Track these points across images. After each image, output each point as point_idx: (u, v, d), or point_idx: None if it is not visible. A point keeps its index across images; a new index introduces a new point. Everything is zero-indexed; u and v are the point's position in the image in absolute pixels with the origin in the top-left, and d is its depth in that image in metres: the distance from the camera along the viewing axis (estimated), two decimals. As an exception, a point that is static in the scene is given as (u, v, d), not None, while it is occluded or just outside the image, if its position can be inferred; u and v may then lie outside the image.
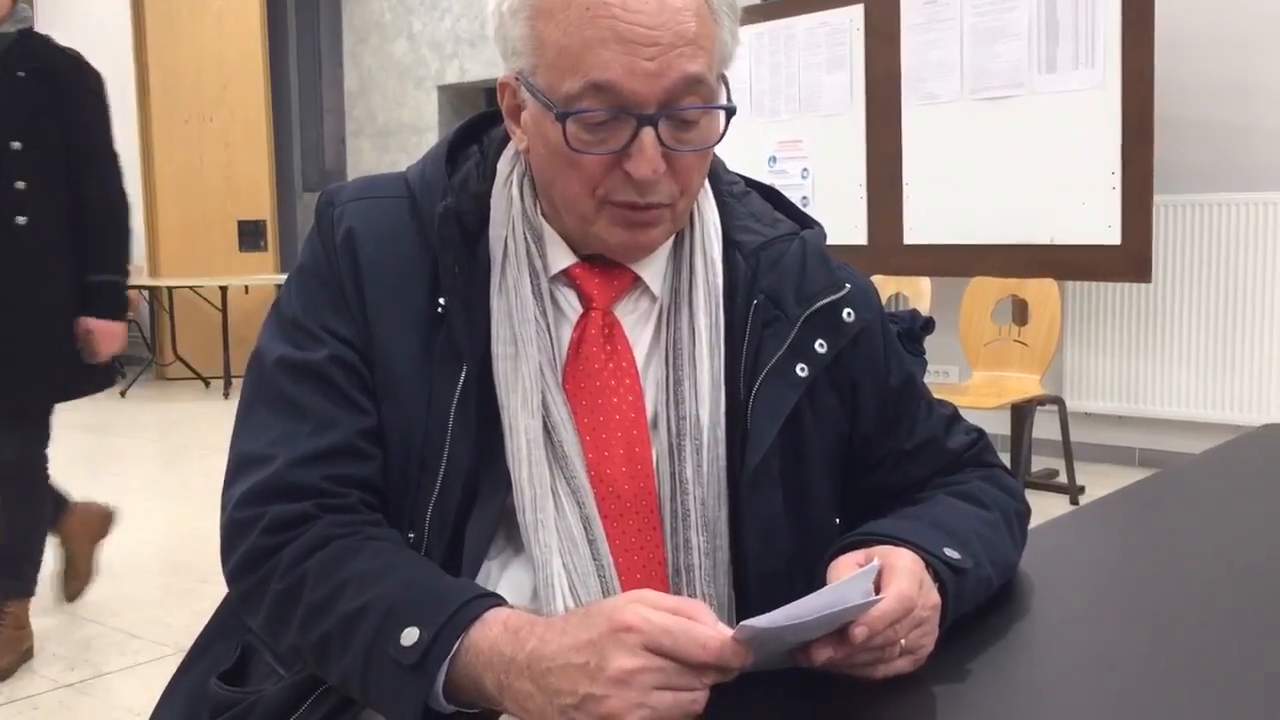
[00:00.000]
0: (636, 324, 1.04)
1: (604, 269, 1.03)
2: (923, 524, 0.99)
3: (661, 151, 0.94)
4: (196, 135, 8.08)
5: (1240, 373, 4.38)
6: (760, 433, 1.01)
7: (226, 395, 7.24)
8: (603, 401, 1.01)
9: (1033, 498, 1.16)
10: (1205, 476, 1.57)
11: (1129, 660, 0.91)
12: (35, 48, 2.77)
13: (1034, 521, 1.15)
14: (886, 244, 4.87)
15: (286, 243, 8.33)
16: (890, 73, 4.81)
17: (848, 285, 1.06)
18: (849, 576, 0.85)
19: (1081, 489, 4.29)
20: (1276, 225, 4.27)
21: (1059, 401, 4.38)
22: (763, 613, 0.78)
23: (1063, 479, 4.37)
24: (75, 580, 3.18)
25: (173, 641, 2.97)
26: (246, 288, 7.73)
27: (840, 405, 1.07)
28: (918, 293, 4.69)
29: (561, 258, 1.02)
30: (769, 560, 1.02)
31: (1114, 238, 4.17)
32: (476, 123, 1.09)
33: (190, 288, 7.74)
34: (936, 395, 1.17)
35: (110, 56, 8.34)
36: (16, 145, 2.67)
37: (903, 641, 0.86)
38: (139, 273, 8.46)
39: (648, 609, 0.77)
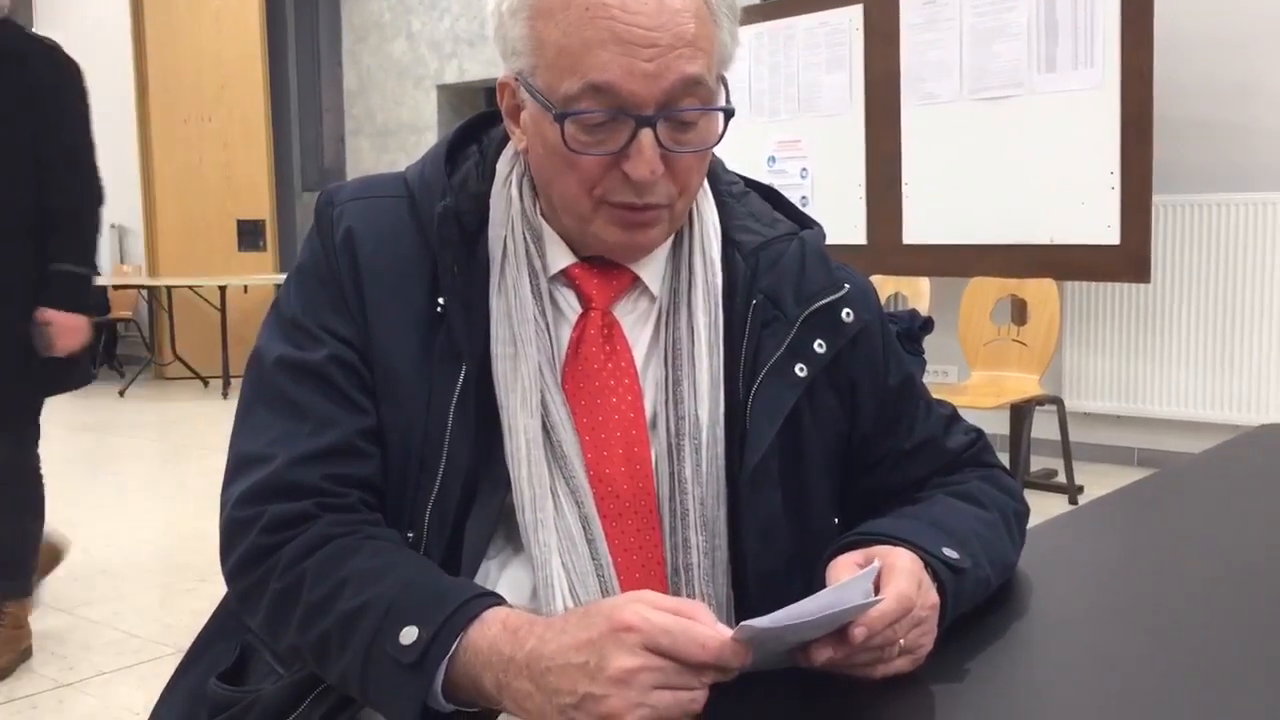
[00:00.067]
0: (636, 324, 1.04)
1: (603, 269, 1.03)
2: (921, 524, 0.99)
3: (660, 153, 0.94)
4: (195, 135, 8.09)
5: (1239, 373, 4.39)
6: (759, 432, 1.01)
7: (225, 395, 7.24)
8: (602, 401, 1.01)
9: (1031, 497, 1.16)
10: (1204, 476, 1.57)
11: (1128, 660, 0.91)
12: (8, 36, 2.72)
13: (1033, 521, 1.15)
14: (885, 244, 4.87)
15: (285, 242, 8.33)
16: (889, 73, 4.81)
17: (847, 285, 1.06)
18: (849, 579, 0.85)
19: (1080, 489, 4.29)
20: (1275, 225, 4.27)
21: (1058, 401, 4.38)
22: (762, 613, 0.78)
23: (1061, 479, 4.38)
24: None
25: (172, 641, 2.97)
26: (245, 287, 7.74)
27: (839, 405, 1.07)
28: (917, 293, 4.69)
29: (561, 258, 1.02)
30: (768, 560, 1.02)
31: (1113, 238, 4.17)
32: (476, 122, 1.09)
33: (189, 287, 7.74)
34: (935, 395, 1.17)
35: (109, 56, 8.37)
36: None
37: (902, 641, 0.86)
38: (137, 272, 8.47)
39: (647, 608, 0.77)
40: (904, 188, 4.81)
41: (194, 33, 8.04)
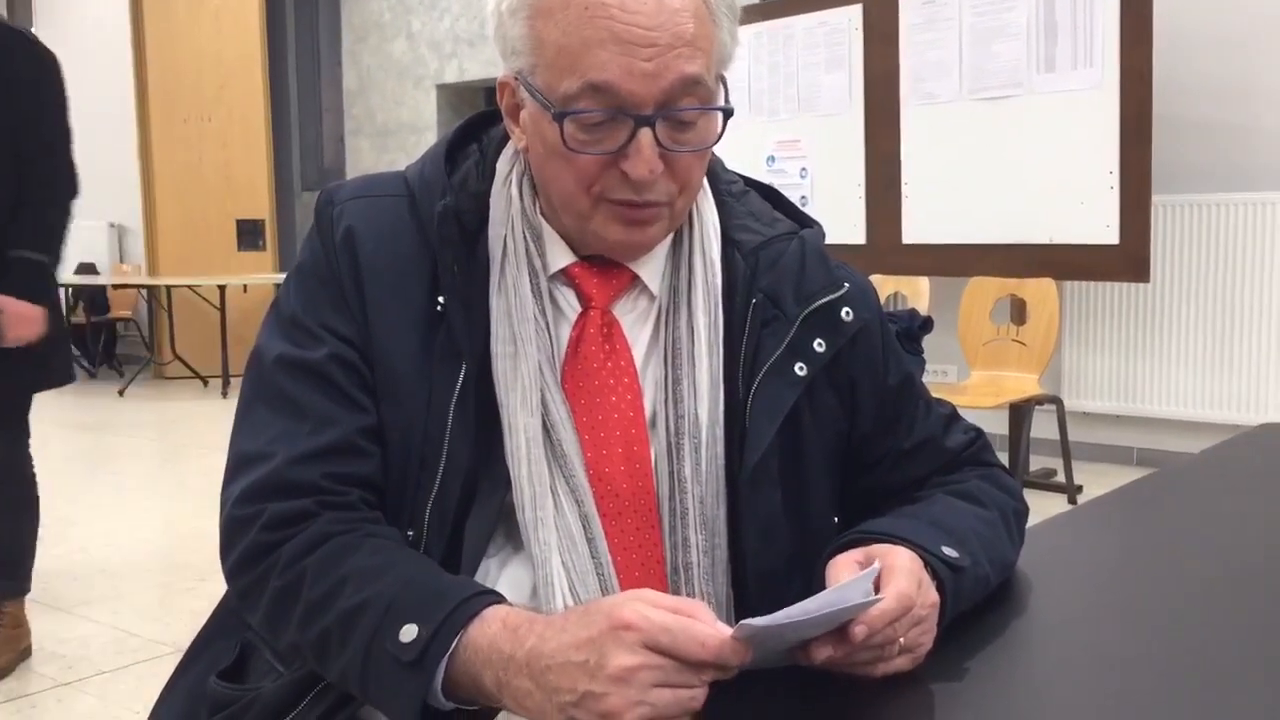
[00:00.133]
0: (635, 323, 1.04)
1: (603, 268, 1.03)
2: (921, 523, 0.99)
3: (659, 152, 0.94)
4: (195, 135, 8.09)
5: (1238, 372, 4.39)
6: (759, 432, 1.01)
7: (225, 394, 7.24)
8: (601, 400, 1.01)
9: (1031, 497, 1.16)
10: (1202, 476, 1.57)
11: (1127, 659, 0.91)
12: None
13: (1032, 521, 1.15)
14: (885, 243, 4.87)
15: (285, 242, 8.34)
16: (889, 72, 4.81)
17: (846, 284, 1.06)
18: (849, 579, 0.85)
19: (1079, 488, 4.30)
20: (1274, 225, 4.27)
21: (1057, 401, 4.38)
22: (761, 612, 0.78)
23: (1061, 478, 4.38)
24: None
25: (171, 640, 2.97)
26: (245, 287, 7.74)
27: (839, 404, 1.07)
28: (916, 292, 4.69)
29: (560, 257, 1.02)
30: (767, 559, 1.02)
31: (1112, 237, 4.17)
32: (476, 122, 1.10)
33: (189, 287, 7.74)
34: (935, 395, 1.17)
35: (109, 56, 8.38)
36: None
37: (901, 640, 0.86)
38: (137, 271, 8.48)
39: (647, 607, 0.77)
40: (903, 187, 4.81)
41: (194, 32, 8.04)
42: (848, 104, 5.00)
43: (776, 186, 1.16)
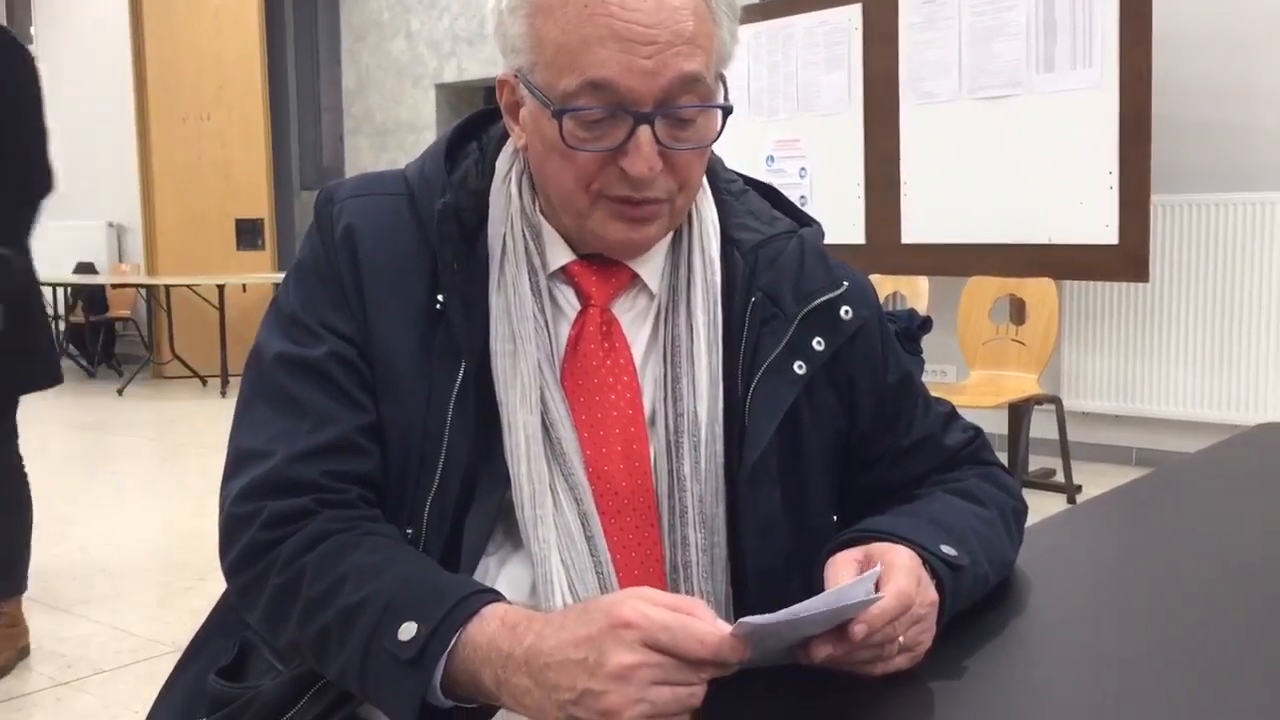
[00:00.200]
0: (634, 321, 1.04)
1: (602, 266, 1.03)
2: (920, 521, 0.99)
3: (658, 149, 0.94)
4: (194, 134, 8.09)
5: (1237, 372, 4.39)
6: (758, 430, 1.01)
7: (224, 394, 7.24)
8: (600, 398, 1.01)
9: (1030, 497, 1.16)
10: (1201, 475, 1.57)
11: (1125, 657, 0.91)
12: None
13: (1031, 520, 1.15)
14: (884, 243, 4.87)
15: (284, 241, 8.34)
16: (888, 72, 4.81)
17: (845, 283, 1.06)
18: (849, 582, 0.85)
19: (1078, 488, 4.30)
20: (1274, 225, 4.28)
21: (1056, 401, 4.38)
22: (760, 610, 0.78)
23: (1060, 478, 4.38)
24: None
25: (170, 639, 2.97)
26: (244, 286, 7.74)
27: (838, 402, 1.07)
28: (915, 292, 4.69)
29: (560, 255, 1.03)
30: (767, 557, 1.02)
31: (1111, 237, 4.17)
32: (476, 120, 1.10)
33: (188, 286, 7.74)
34: (934, 394, 1.17)
35: (109, 55, 8.38)
36: None
37: (901, 639, 0.86)
38: (136, 271, 8.47)
39: (646, 605, 0.77)
40: (903, 187, 4.81)
41: (193, 32, 8.04)
42: (847, 103, 5.00)
43: (776, 186, 1.16)
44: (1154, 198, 4.17)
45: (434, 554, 0.95)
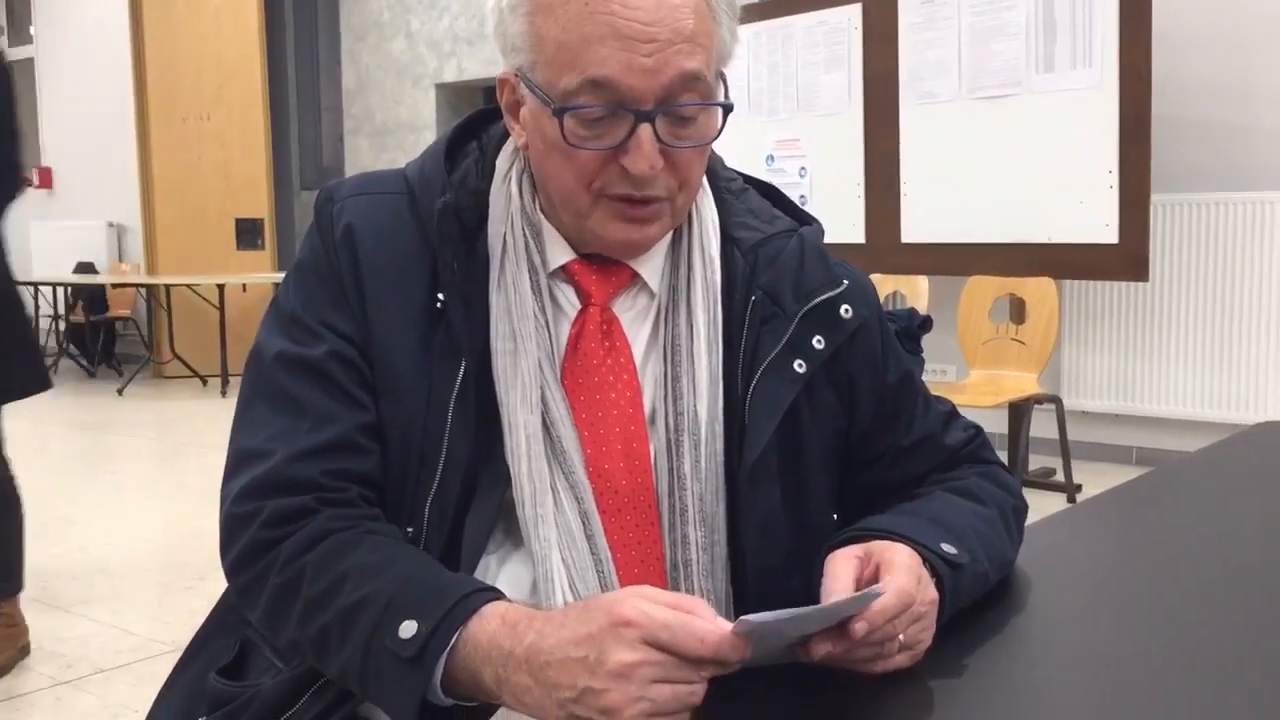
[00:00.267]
0: (635, 320, 1.04)
1: (602, 265, 1.03)
2: (920, 520, 0.99)
3: (659, 148, 0.94)
4: (194, 134, 8.09)
5: (1236, 372, 4.39)
6: (758, 428, 1.01)
7: (224, 393, 7.24)
8: (601, 397, 1.01)
9: (1030, 496, 1.16)
10: (1200, 474, 1.57)
11: (1124, 656, 0.91)
12: None
13: (1030, 519, 1.15)
14: (884, 243, 4.87)
15: (284, 241, 8.34)
16: (888, 72, 4.81)
17: (845, 281, 1.06)
18: (849, 597, 0.85)
19: (1079, 487, 4.30)
20: (1273, 225, 4.28)
21: (1056, 400, 4.38)
22: (760, 608, 0.78)
23: (1060, 477, 4.38)
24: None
25: (170, 639, 2.97)
26: (244, 286, 7.74)
27: (838, 401, 1.07)
28: (915, 292, 4.69)
29: (560, 254, 1.03)
30: (767, 556, 1.02)
31: (1111, 237, 4.18)
32: (476, 119, 1.10)
33: (188, 286, 7.74)
34: (934, 394, 1.17)
35: (108, 55, 8.38)
36: None
37: (901, 637, 0.86)
38: (136, 271, 8.48)
39: (646, 603, 0.77)
40: (902, 187, 4.81)
41: (193, 32, 8.03)
42: (847, 103, 5.00)
43: (776, 185, 1.16)
44: (1154, 197, 4.17)
45: (434, 553, 0.95)
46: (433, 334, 0.99)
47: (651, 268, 1.04)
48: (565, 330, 1.02)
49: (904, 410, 1.11)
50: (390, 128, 7.94)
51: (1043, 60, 4.35)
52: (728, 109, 0.98)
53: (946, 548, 0.95)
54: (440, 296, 0.99)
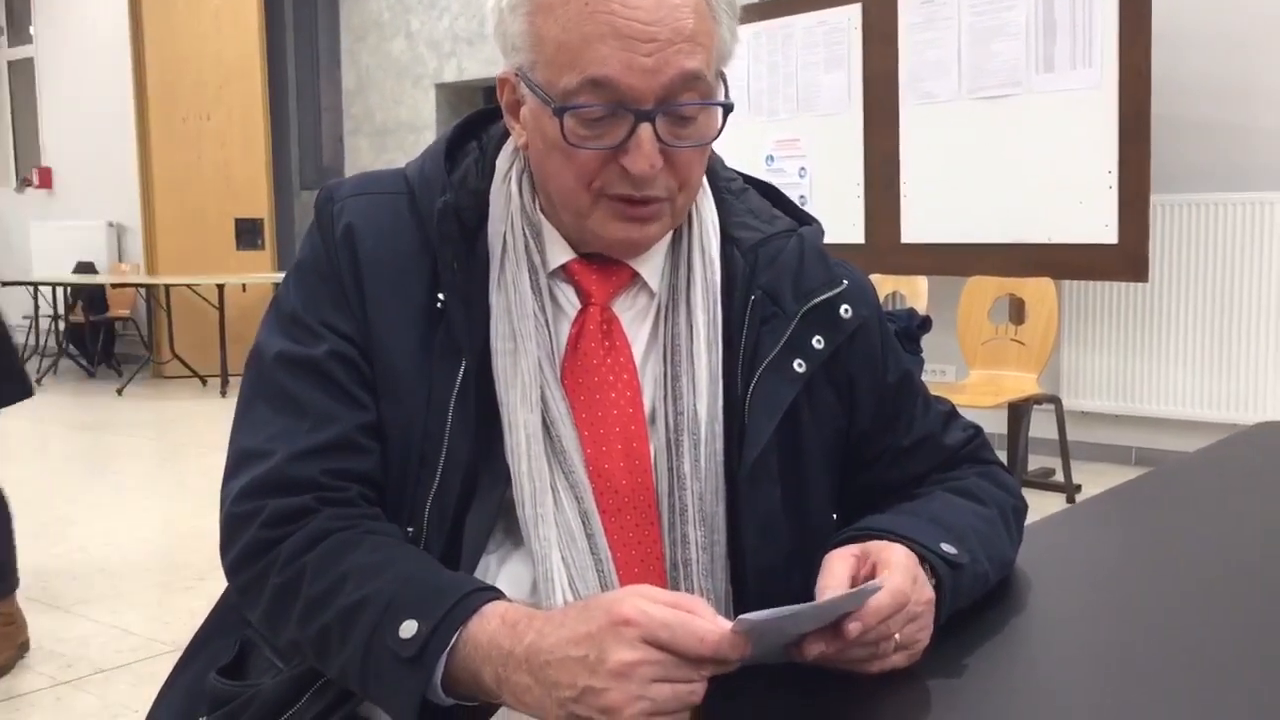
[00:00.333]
0: (634, 320, 1.04)
1: (602, 265, 1.03)
2: (920, 520, 0.99)
3: (659, 147, 0.94)
4: (194, 133, 8.08)
5: (1236, 372, 4.39)
6: (758, 428, 1.01)
7: (224, 393, 7.24)
8: (601, 397, 1.01)
9: (1029, 496, 1.17)
10: (1200, 474, 1.57)
11: (1124, 656, 0.91)
12: None
13: (1030, 519, 1.15)
14: (884, 243, 4.87)
15: (284, 241, 8.34)
16: (888, 72, 4.81)
17: (845, 281, 1.06)
18: (846, 593, 0.85)
19: (1078, 487, 4.30)
20: (1273, 225, 4.28)
21: (1056, 400, 4.38)
22: (759, 608, 0.78)
23: (1059, 478, 4.38)
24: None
25: (170, 639, 2.97)
26: (244, 286, 7.74)
27: (838, 401, 1.07)
28: (915, 292, 4.69)
29: (560, 254, 1.03)
30: (766, 556, 1.02)
31: (1111, 237, 4.18)
32: (476, 119, 1.10)
33: (187, 286, 7.74)
34: (934, 394, 1.17)
35: (108, 55, 8.38)
36: None
37: (897, 636, 0.86)
38: (135, 271, 8.48)
39: (646, 603, 0.78)
40: (902, 187, 4.81)
41: (193, 31, 8.03)
42: (847, 103, 5.00)
43: (775, 185, 1.16)
44: (1153, 198, 4.17)
45: (435, 552, 0.95)
46: (433, 334, 0.99)
47: (651, 267, 1.05)
48: (565, 330, 1.02)
49: (904, 410, 1.11)
50: (390, 128, 7.94)
51: (1043, 60, 4.35)
52: (728, 109, 0.98)
53: (946, 548, 0.95)
54: (440, 296, 0.99)
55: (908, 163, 4.78)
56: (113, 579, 3.55)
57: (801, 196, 5.11)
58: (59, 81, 9.19)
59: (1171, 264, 4.49)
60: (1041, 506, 1.37)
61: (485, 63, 7.18)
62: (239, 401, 1.02)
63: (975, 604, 0.99)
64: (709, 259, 1.05)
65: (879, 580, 0.86)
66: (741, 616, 0.76)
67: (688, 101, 0.94)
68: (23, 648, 2.87)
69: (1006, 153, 4.47)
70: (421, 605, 0.84)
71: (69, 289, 8.61)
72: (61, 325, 8.76)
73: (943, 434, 1.13)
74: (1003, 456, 3.82)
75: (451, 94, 7.68)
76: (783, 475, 1.04)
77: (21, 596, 2.93)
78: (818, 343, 1.03)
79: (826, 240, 1.11)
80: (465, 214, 1.01)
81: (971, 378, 4.47)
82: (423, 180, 1.03)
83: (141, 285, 8.13)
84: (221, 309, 7.42)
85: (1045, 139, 4.34)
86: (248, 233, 8.15)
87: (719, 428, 1.01)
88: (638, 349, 1.03)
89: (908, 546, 0.93)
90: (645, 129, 0.93)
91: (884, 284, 4.74)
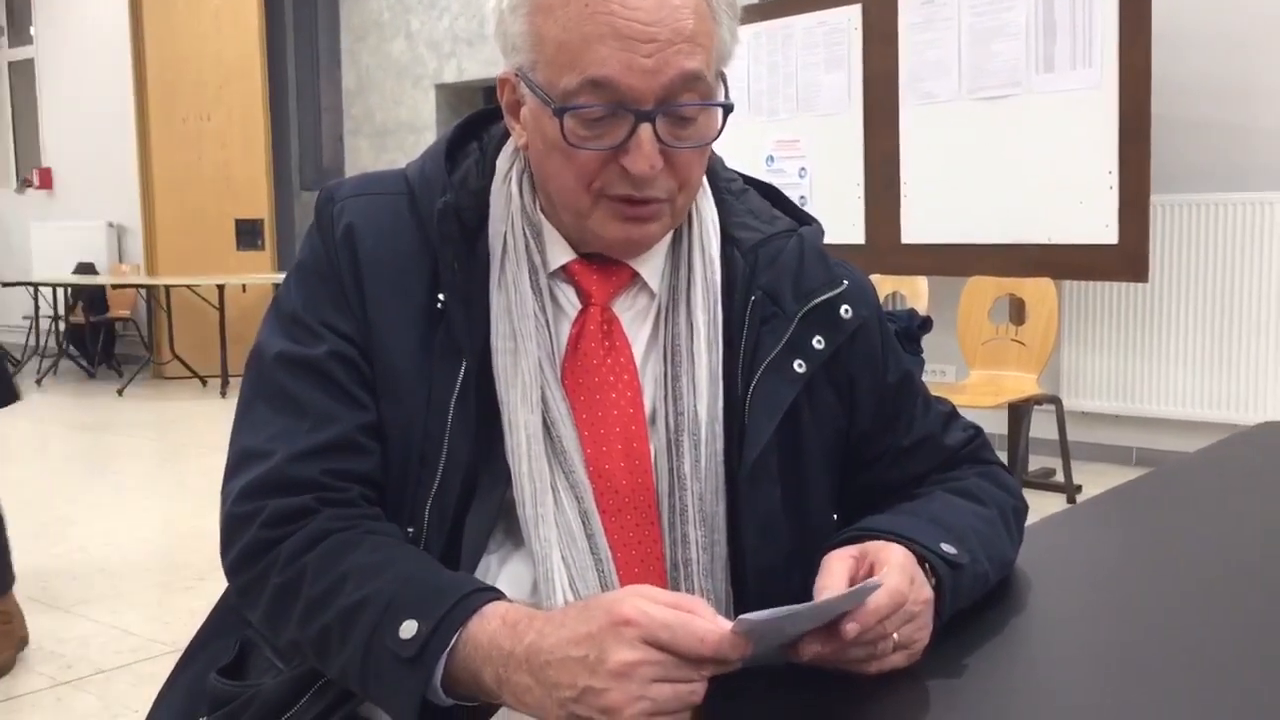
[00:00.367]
0: (635, 320, 1.04)
1: (602, 265, 1.03)
2: (920, 520, 0.99)
3: (659, 148, 0.94)
4: (194, 134, 8.08)
5: (1236, 372, 4.39)
6: (758, 428, 1.01)
7: (224, 394, 7.24)
8: (601, 397, 1.01)
9: (1030, 497, 1.17)
10: (1200, 474, 1.57)
11: (1124, 656, 0.91)
12: None
13: (1030, 520, 1.15)
14: (884, 243, 4.87)
15: (284, 241, 8.34)
16: (888, 72, 4.81)
17: (845, 281, 1.06)
18: (845, 592, 0.85)
19: (1078, 488, 4.30)
20: (1273, 225, 4.28)
21: (1056, 401, 4.38)
22: (760, 608, 0.78)
23: (1060, 478, 4.38)
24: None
25: (170, 639, 2.97)
26: (244, 286, 7.74)
27: (838, 401, 1.07)
28: (915, 292, 4.69)
29: (560, 254, 1.03)
30: (766, 556, 1.02)
31: (1111, 237, 4.17)
32: (476, 120, 1.10)
33: (187, 286, 7.74)
34: (934, 394, 1.17)
35: (108, 55, 8.38)
36: None
37: (895, 636, 0.86)
38: (135, 271, 8.48)
39: (646, 603, 0.78)
40: (902, 187, 4.81)
41: (193, 32, 8.03)
42: (847, 104, 5.00)
43: (775, 185, 1.16)
44: (1153, 198, 4.17)
45: (435, 553, 0.95)
46: (433, 334, 0.99)
47: (652, 268, 1.05)
48: (565, 330, 1.02)
49: (904, 410, 1.11)
50: (390, 128, 7.94)
51: (1042, 60, 4.35)
52: (728, 109, 0.98)
53: (946, 548, 0.95)
54: (440, 296, 0.99)
55: (908, 163, 4.78)
56: (113, 579, 3.55)
57: (801, 197, 5.11)
58: (59, 82, 9.19)
59: (1171, 264, 4.49)
60: (1042, 507, 1.37)
61: (485, 63, 7.18)
62: (239, 402, 1.02)
63: (975, 604, 0.99)
64: (709, 259, 1.05)
65: (877, 579, 0.86)
66: (741, 616, 0.76)
67: (688, 102, 0.94)
68: (22, 643, 2.87)
69: (1006, 153, 4.47)
70: (421, 605, 0.84)
71: (69, 289, 8.61)
72: (62, 326, 8.76)
73: (943, 434, 1.13)
74: (1003, 457, 3.82)
75: (451, 94, 7.68)
76: (783, 475, 1.04)
77: (21, 597, 2.93)
78: (818, 343, 1.03)
79: (826, 240, 1.11)
80: (465, 214, 1.01)
81: (971, 378, 4.47)
82: (423, 180, 1.03)
83: (142, 286, 8.13)
84: (222, 309, 7.42)
85: (1045, 139, 4.34)
86: (248, 233, 8.15)
87: (719, 428, 1.01)
88: (638, 349, 1.03)
89: (907, 547, 0.93)
90: (645, 129, 0.93)
91: (884, 284, 4.74)
